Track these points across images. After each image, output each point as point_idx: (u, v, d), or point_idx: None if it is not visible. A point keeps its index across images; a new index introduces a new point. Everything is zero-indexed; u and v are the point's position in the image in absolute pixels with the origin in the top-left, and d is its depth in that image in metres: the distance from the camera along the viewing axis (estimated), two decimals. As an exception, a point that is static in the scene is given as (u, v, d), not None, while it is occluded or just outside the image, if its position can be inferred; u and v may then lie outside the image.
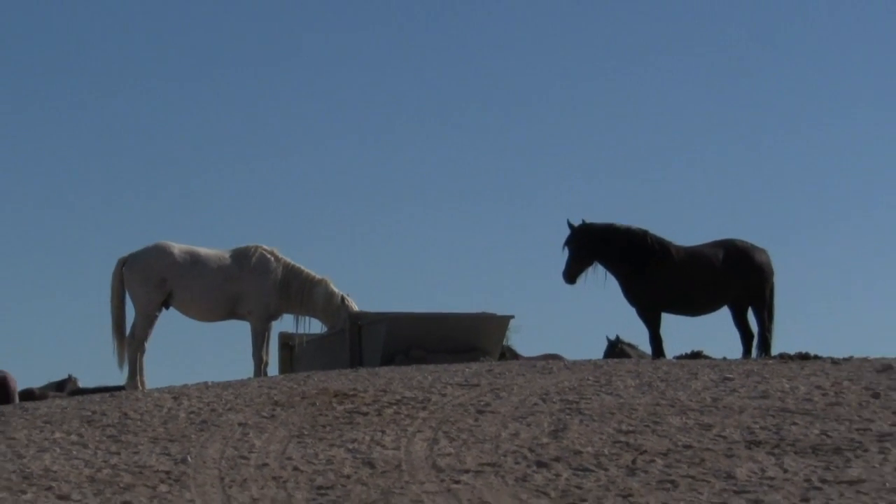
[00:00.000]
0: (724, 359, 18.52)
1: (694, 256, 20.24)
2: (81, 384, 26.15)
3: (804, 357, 17.60)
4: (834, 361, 16.85)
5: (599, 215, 20.75)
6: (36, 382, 25.97)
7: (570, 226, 20.12)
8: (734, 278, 20.19)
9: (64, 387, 25.74)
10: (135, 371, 20.44)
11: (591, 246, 20.10)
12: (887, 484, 10.82)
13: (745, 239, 20.77)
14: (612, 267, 20.18)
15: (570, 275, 20.14)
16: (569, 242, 20.15)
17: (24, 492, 11.52)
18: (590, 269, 20.23)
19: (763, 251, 20.69)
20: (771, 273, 20.58)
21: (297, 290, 20.97)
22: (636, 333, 22.35)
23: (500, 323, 21.44)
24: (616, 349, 24.46)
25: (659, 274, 19.97)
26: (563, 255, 20.20)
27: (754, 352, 20.19)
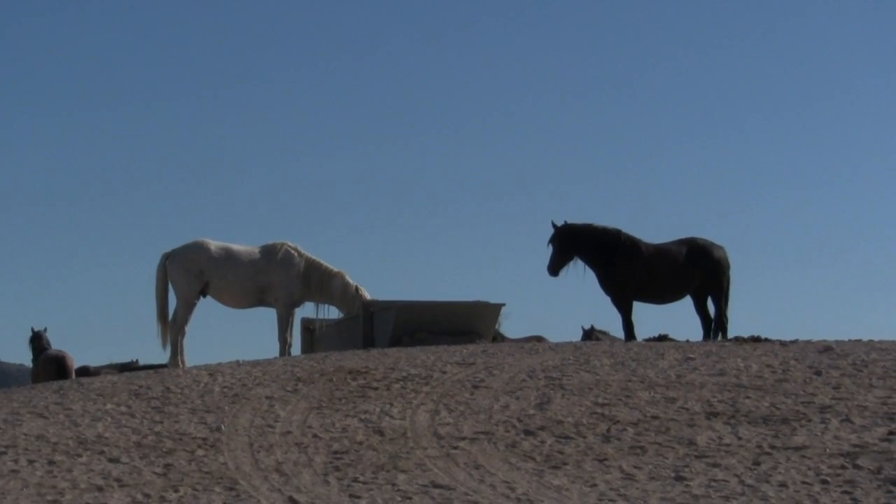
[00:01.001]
0: (687, 341, 18.49)
1: (661, 252, 20.19)
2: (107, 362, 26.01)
3: (756, 340, 17.55)
4: (782, 344, 16.81)
5: (579, 215, 20.72)
6: (99, 362, 25.82)
7: (554, 226, 20.08)
8: (696, 271, 20.14)
9: (128, 368, 25.56)
10: (176, 351, 20.39)
11: (571, 243, 20.07)
12: (828, 450, 10.79)
13: (706, 237, 20.73)
14: (590, 261, 20.14)
15: (554, 268, 20.12)
16: (552, 240, 20.12)
17: (79, 455, 11.50)
18: (571, 264, 20.20)
19: (721, 248, 20.64)
20: (728, 267, 20.53)
21: (317, 282, 20.90)
22: (609, 320, 22.32)
23: (493, 310, 21.39)
24: (591, 337, 24.36)
25: (631, 267, 19.93)
26: (547, 252, 20.17)
27: (713, 335, 20.14)
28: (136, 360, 26.68)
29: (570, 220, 20.17)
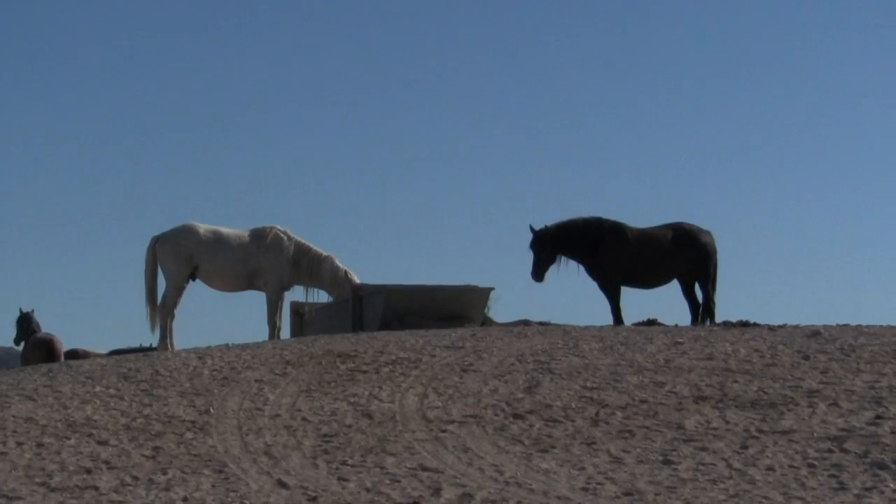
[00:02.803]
0: (676, 326, 18.49)
1: (647, 237, 20.16)
2: (122, 346, 25.91)
3: (745, 324, 17.57)
4: (770, 328, 16.83)
5: (565, 200, 20.67)
6: (88, 345, 25.67)
7: (533, 230, 19.94)
8: (682, 256, 20.13)
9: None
10: (165, 334, 20.36)
11: (556, 244, 19.95)
12: (815, 434, 10.80)
13: (692, 221, 20.72)
14: (576, 255, 20.08)
15: (538, 273, 19.98)
16: (533, 245, 19.98)
17: (68, 437, 11.48)
18: (555, 264, 20.08)
19: (707, 233, 20.62)
20: (714, 252, 20.52)
21: (307, 266, 20.87)
22: (594, 303, 22.14)
23: (482, 294, 21.37)
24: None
25: (617, 253, 19.91)
26: (529, 256, 19.98)
27: (701, 320, 20.14)
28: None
29: (549, 218, 20.03)
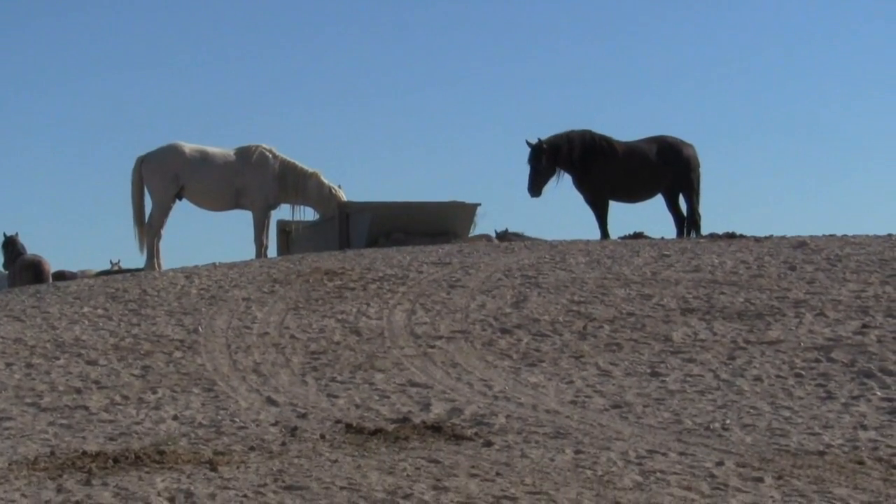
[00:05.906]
0: (662, 239, 18.48)
1: (632, 151, 20.09)
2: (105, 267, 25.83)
3: (731, 236, 17.55)
4: (756, 239, 16.82)
5: (550, 113, 20.48)
6: (76, 266, 25.59)
7: (529, 144, 19.75)
8: (666, 169, 20.06)
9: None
10: (152, 254, 20.31)
11: (554, 159, 19.77)
12: (801, 343, 10.81)
13: (675, 135, 20.64)
14: (568, 167, 19.95)
15: (535, 188, 19.81)
16: (530, 159, 19.78)
17: (57, 358, 11.45)
18: (553, 179, 19.93)
19: (690, 146, 20.54)
20: (697, 164, 20.46)
21: (293, 183, 20.81)
22: (586, 218, 22.06)
23: (468, 210, 21.34)
24: (505, 240, 24.21)
25: (607, 167, 19.83)
26: (523, 171, 19.81)
27: (686, 232, 20.13)
28: (115, 262, 26.46)
29: (537, 132, 19.85)
